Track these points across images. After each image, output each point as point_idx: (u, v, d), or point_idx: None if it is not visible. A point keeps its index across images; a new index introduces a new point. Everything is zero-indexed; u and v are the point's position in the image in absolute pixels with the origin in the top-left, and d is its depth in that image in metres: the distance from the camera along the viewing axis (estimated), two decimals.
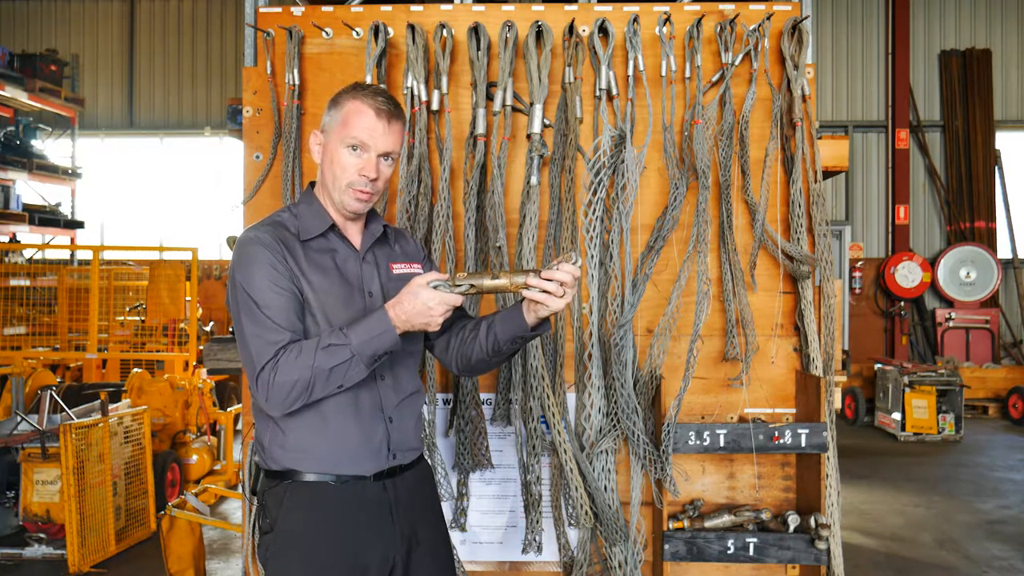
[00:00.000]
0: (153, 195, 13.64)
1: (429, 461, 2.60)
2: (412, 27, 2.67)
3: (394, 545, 1.88)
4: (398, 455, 1.93)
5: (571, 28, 2.69)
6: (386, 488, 1.90)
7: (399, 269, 2.00)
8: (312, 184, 2.01)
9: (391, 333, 1.76)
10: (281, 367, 1.74)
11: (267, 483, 1.91)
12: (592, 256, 2.61)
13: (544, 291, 1.76)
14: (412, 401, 1.98)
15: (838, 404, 4.90)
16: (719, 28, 2.72)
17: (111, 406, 5.20)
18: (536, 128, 2.63)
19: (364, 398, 1.88)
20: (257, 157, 2.78)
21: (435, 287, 1.75)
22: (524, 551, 2.70)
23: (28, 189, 10.71)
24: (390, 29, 2.74)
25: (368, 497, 1.87)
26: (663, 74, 2.72)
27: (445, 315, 1.77)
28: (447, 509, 2.70)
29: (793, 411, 2.76)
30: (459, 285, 1.76)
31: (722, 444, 2.60)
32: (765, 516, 2.64)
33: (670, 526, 2.63)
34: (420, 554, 1.93)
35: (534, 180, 2.61)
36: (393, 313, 1.77)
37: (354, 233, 1.98)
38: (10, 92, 9.96)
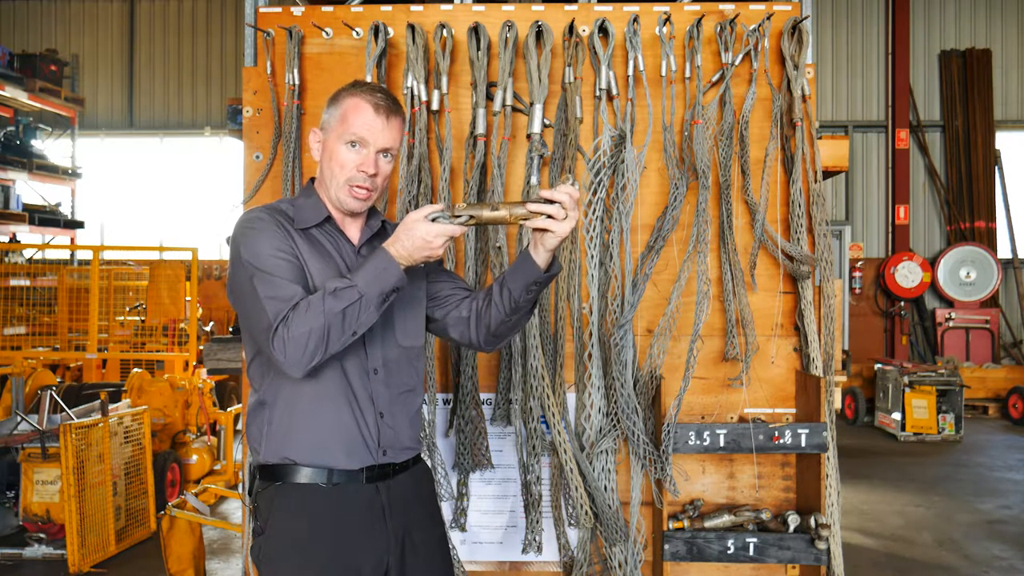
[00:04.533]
0: (153, 195, 13.64)
1: (429, 462, 2.60)
2: (412, 27, 2.67)
3: (387, 548, 1.87)
4: (389, 452, 1.91)
5: (571, 28, 2.69)
6: (378, 490, 1.88)
7: None
8: (312, 180, 2.01)
9: (395, 267, 1.76)
10: (293, 321, 1.73)
11: (259, 484, 1.91)
12: (592, 256, 2.61)
13: (546, 215, 1.73)
14: (407, 399, 1.96)
15: (838, 404, 4.90)
16: (719, 28, 2.72)
17: (111, 406, 5.20)
18: (536, 128, 2.63)
19: (357, 390, 1.87)
20: (257, 157, 2.78)
21: (433, 219, 1.74)
22: (524, 551, 2.70)
23: (28, 189, 10.71)
24: (390, 29, 2.74)
25: (359, 499, 1.86)
26: (663, 74, 2.72)
27: (444, 245, 1.76)
28: (447, 509, 2.70)
29: (793, 411, 2.76)
30: (458, 216, 1.74)
31: (722, 444, 2.60)
32: (765, 516, 2.64)
33: (670, 526, 2.63)
34: (415, 557, 1.92)
35: (534, 180, 2.61)
36: (393, 250, 1.76)
37: (352, 229, 1.98)
38: (10, 92, 9.95)
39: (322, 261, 1.88)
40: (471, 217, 1.74)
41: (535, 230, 1.78)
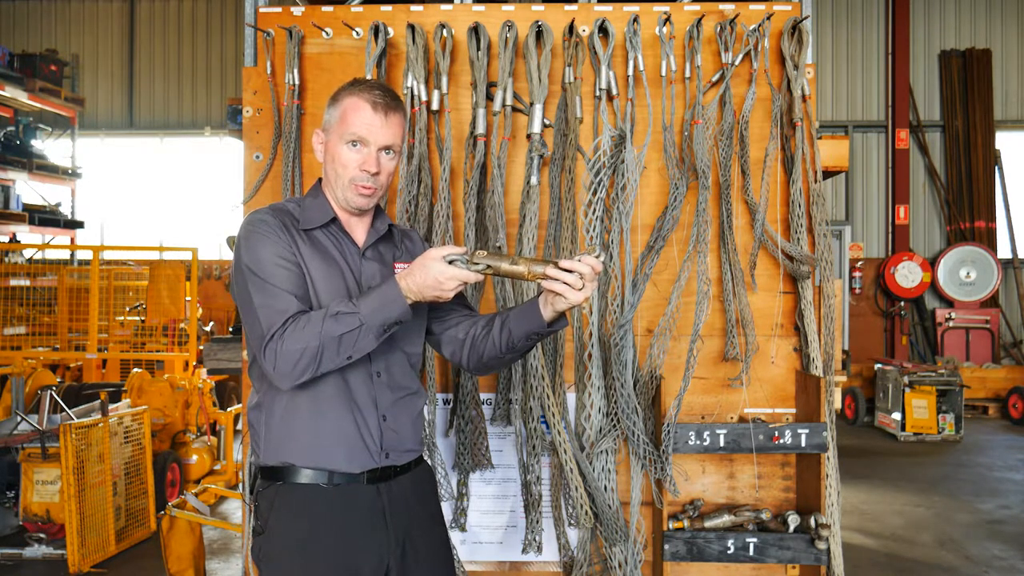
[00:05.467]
0: (153, 195, 13.65)
1: (429, 462, 2.60)
2: (412, 27, 2.67)
3: (387, 550, 1.87)
4: (391, 455, 1.91)
5: (571, 28, 2.69)
6: (379, 492, 1.88)
7: (402, 268, 2.00)
8: (321, 180, 2.00)
9: (401, 302, 1.75)
10: (289, 335, 1.73)
11: (260, 484, 1.91)
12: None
13: (564, 282, 1.73)
14: (409, 401, 1.96)
15: (838, 404, 4.90)
16: (719, 28, 2.72)
17: (111, 406, 5.20)
18: (536, 128, 2.63)
19: (359, 393, 1.86)
20: (257, 157, 2.78)
21: (451, 261, 1.73)
22: (524, 551, 2.70)
23: (28, 189, 10.71)
24: (390, 29, 2.74)
25: (360, 501, 1.86)
26: (663, 74, 2.72)
27: (456, 289, 1.75)
28: (447, 509, 2.70)
29: (793, 411, 2.76)
30: (477, 264, 1.73)
31: (722, 444, 2.60)
32: (765, 516, 2.64)
33: (670, 526, 2.63)
34: (416, 558, 1.91)
35: (534, 180, 2.62)
36: (404, 283, 1.75)
37: (358, 230, 1.98)
38: (10, 92, 9.95)
39: (325, 264, 1.88)
40: (489, 267, 1.74)
41: (548, 290, 1.78)
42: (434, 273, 1.73)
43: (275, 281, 1.79)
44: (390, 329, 1.77)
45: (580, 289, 1.73)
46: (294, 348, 1.72)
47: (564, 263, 1.73)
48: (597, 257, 1.75)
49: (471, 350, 1.98)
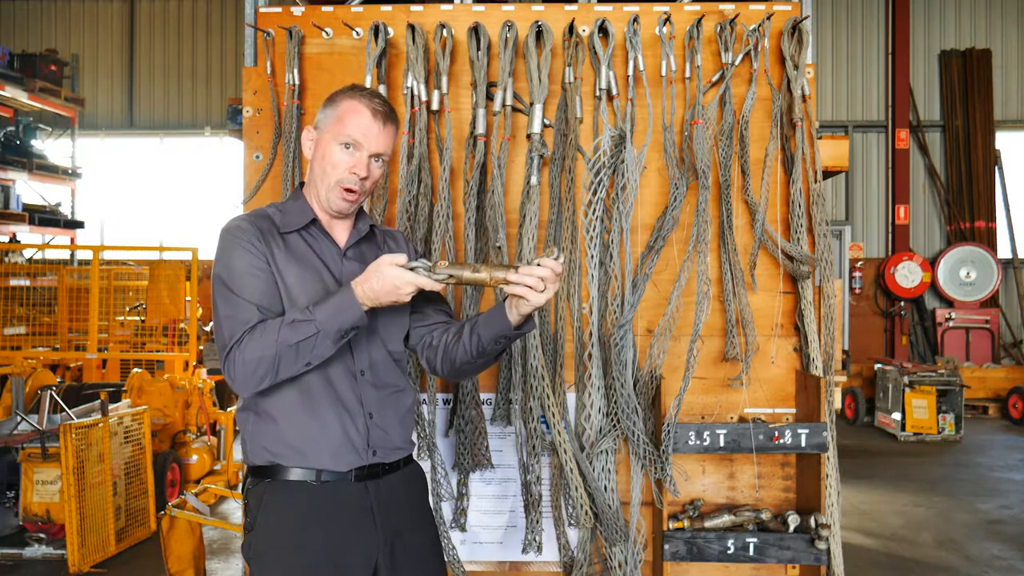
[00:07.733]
0: (153, 195, 13.64)
1: (428, 462, 2.61)
2: (412, 27, 2.67)
3: (376, 548, 1.87)
4: (379, 452, 1.91)
5: (571, 28, 2.69)
6: (368, 489, 1.89)
7: None
8: (302, 184, 2.02)
9: (356, 309, 1.76)
10: (247, 345, 1.75)
11: (250, 482, 1.92)
12: (592, 256, 2.61)
13: (525, 286, 1.74)
14: (396, 399, 1.97)
15: (838, 404, 4.90)
16: (719, 28, 2.72)
17: (111, 406, 5.20)
18: (536, 128, 2.63)
19: (344, 392, 1.87)
20: (257, 157, 2.78)
21: (412, 268, 1.75)
22: (524, 551, 2.70)
23: (28, 189, 10.70)
24: (390, 29, 2.74)
25: (348, 498, 1.87)
26: (663, 74, 2.72)
27: (411, 294, 1.77)
28: (447, 509, 2.70)
29: (793, 411, 2.76)
30: (439, 274, 1.75)
31: (722, 444, 2.60)
32: (765, 516, 2.64)
33: (670, 526, 2.63)
34: (406, 558, 1.92)
35: (534, 180, 2.62)
36: (360, 290, 1.77)
37: (340, 231, 1.99)
38: (10, 92, 9.95)
39: (301, 268, 1.88)
40: (451, 276, 1.76)
41: (511, 294, 1.80)
42: (391, 278, 1.74)
43: (241, 292, 1.81)
44: (348, 335, 1.79)
45: (542, 291, 1.75)
46: (251, 357, 1.75)
47: (524, 269, 1.75)
48: (556, 259, 1.78)
49: (444, 357, 1.99)
